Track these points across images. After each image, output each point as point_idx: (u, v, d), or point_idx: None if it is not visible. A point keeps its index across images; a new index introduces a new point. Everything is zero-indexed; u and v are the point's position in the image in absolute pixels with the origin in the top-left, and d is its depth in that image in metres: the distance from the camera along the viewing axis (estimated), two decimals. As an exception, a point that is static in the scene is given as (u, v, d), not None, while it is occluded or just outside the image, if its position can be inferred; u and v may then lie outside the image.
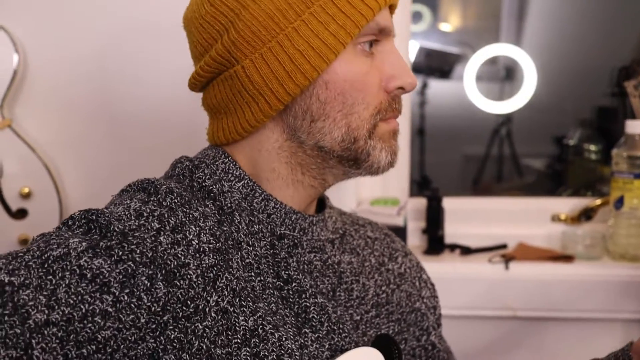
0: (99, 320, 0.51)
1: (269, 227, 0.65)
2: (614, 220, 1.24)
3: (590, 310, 1.19)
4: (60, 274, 0.51)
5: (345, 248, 0.73)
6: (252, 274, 0.61)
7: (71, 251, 0.52)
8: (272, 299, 0.61)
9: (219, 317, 0.56)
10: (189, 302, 0.55)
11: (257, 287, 0.61)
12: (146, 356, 0.53)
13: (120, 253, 0.53)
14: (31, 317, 0.48)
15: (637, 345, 0.64)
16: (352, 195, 1.28)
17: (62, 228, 0.57)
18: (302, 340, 0.61)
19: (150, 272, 0.54)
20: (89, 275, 0.52)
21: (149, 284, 0.53)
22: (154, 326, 0.53)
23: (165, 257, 0.55)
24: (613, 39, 2.13)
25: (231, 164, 0.66)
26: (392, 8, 0.67)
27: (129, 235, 0.55)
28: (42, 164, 1.19)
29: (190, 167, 0.65)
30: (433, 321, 0.78)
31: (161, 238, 0.56)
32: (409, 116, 1.38)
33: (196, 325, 0.55)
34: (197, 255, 0.57)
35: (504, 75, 2.36)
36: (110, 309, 0.51)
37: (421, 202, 1.34)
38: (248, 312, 0.58)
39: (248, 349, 0.56)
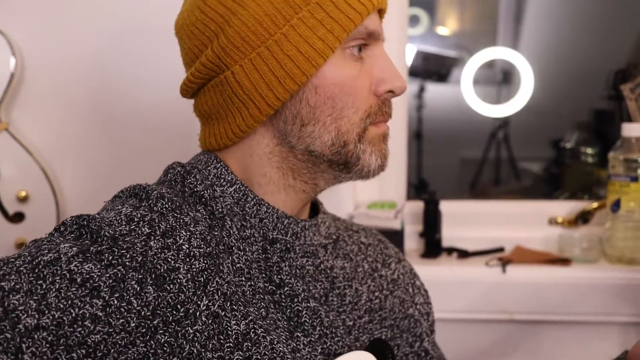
0: (89, 325, 0.51)
1: (261, 232, 0.65)
2: (611, 224, 1.24)
3: (587, 313, 1.19)
4: (50, 279, 0.51)
5: (338, 253, 0.73)
6: (243, 278, 0.61)
7: (62, 256, 0.53)
8: (263, 303, 0.61)
9: (210, 321, 0.56)
10: (179, 306, 0.55)
11: (248, 292, 0.61)
12: (136, 360, 0.53)
13: (110, 257, 0.54)
14: (21, 322, 0.48)
15: (632, 352, 0.64)
16: (349, 198, 1.28)
17: (54, 234, 0.57)
18: (294, 344, 0.61)
19: (140, 276, 0.54)
20: (79, 280, 0.52)
21: (138, 288, 0.53)
22: (144, 330, 0.53)
23: (155, 261, 0.55)
24: (609, 42, 2.13)
25: (223, 169, 0.66)
26: (381, 12, 0.67)
27: (120, 240, 0.55)
28: (39, 167, 1.19)
29: (182, 172, 0.66)
30: (426, 327, 0.78)
31: (151, 243, 0.56)
32: (406, 119, 1.38)
33: (187, 329, 0.55)
34: (188, 259, 0.57)
35: (501, 79, 2.36)
36: (100, 313, 0.51)
37: (418, 206, 1.34)
38: (239, 316, 0.58)
39: (241, 352, 0.56)
